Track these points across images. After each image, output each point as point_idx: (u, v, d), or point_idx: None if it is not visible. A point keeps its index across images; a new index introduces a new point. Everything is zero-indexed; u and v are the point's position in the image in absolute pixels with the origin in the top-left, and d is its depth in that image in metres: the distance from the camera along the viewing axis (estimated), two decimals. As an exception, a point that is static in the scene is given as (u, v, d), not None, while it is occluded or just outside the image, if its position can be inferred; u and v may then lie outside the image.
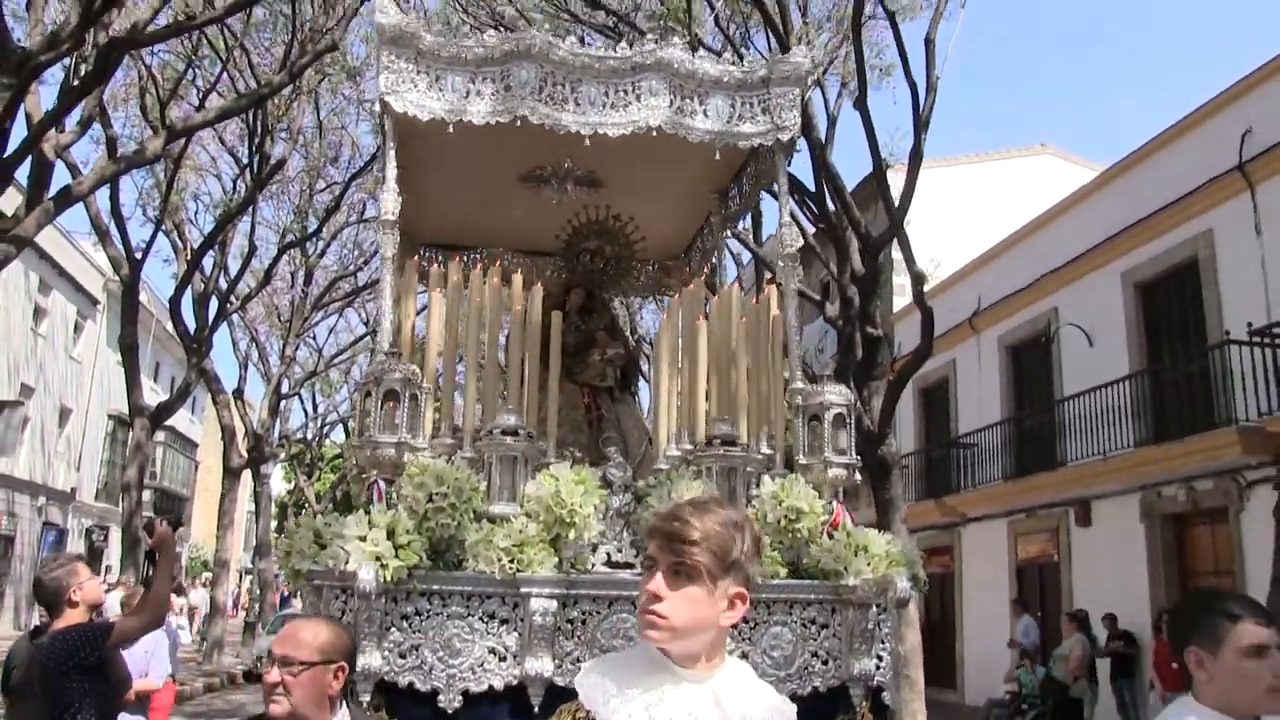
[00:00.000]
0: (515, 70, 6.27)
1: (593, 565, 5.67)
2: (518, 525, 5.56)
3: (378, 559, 5.23)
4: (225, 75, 20.16)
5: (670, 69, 6.43)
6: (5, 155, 11.82)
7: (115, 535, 34.88)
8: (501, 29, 16.26)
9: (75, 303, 30.37)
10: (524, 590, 5.43)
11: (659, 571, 2.39)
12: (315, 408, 39.71)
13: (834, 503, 6.05)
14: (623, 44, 6.71)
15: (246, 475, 29.08)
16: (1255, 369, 15.11)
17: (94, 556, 33.38)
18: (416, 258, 7.26)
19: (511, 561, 5.44)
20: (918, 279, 15.19)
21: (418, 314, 8.09)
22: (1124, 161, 19.66)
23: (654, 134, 6.35)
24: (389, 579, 5.22)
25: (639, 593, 2.44)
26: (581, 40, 15.54)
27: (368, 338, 31.24)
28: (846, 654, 5.75)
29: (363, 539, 5.29)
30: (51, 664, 5.50)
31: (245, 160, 21.80)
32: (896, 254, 15.78)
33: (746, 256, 22.20)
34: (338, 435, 41.03)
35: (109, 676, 5.81)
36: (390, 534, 5.35)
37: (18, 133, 12.22)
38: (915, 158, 15.04)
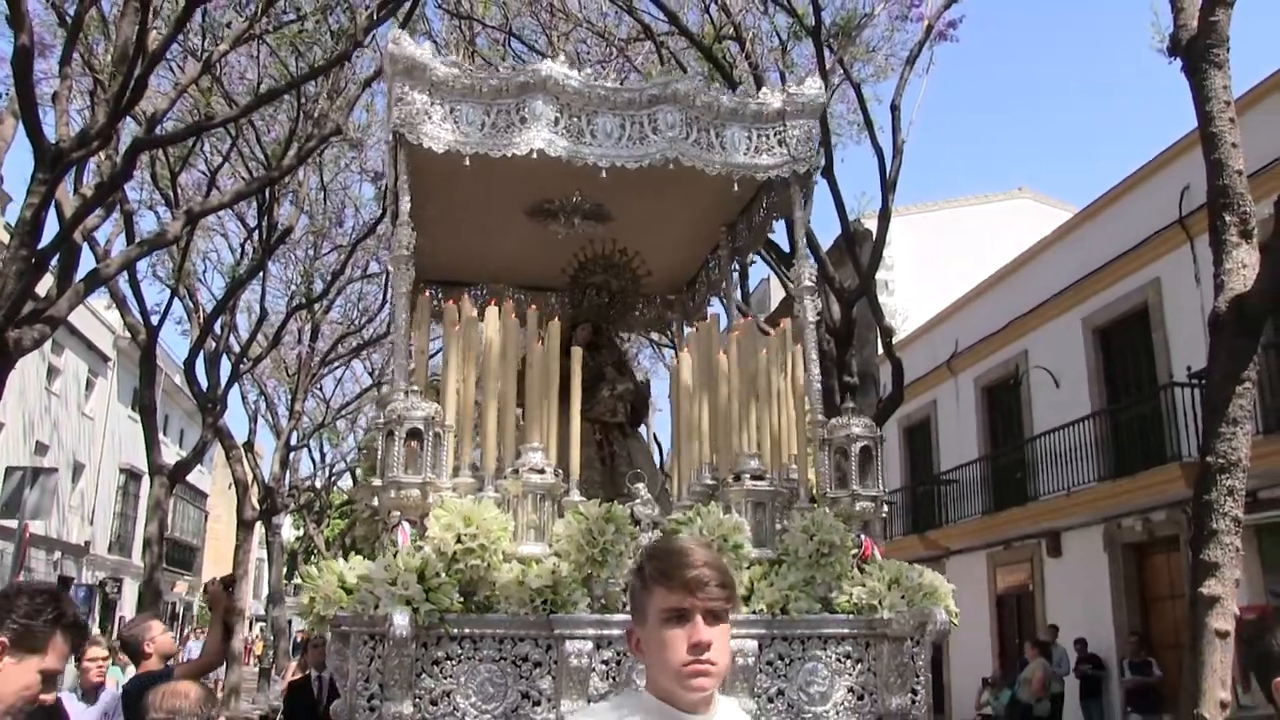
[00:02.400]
0: (530, 102, 5.80)
1: (624, 605, 5.15)
2: (549, 565, 5.04)
3: (408, 603, 4.70)
4: (230, 142, 19.67)
5: (687, 100, 5.97)
6: (40, 245, 11.64)
7: (129, 587, 34.04)
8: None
9: (87, 360, 29.67)
10: (558, 632, 4.92)
11: (698, 618, 2.18)
12: (323, 457, 39.13)
13: (862, 535, 5.56)
14: (633, 75, 6.20)
15: (258, 525, 28.33)
16: (1197, 409, 14.66)
17: (107, 608, 32.52)
18: (427, 293, 6.74)
19: (545, 603, 4.92)
20: (886, 333, 15.13)
21: (431, 356, 7.56)
22: (1083, 212, 19.84)
23: (670, 166, 5.89)
24: (421, 623, 4.69)
25: (665, 644, 2.18)
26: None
27: (374, 389, 30.76)
28: (882, 689, 5.25)
29: (392, 582, 4.75)
30: (128, 706, 5.91)
31: (253, 224, 21.30)
32: (883, 297, 15.53)
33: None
34: (345, 482, 40.14)
35: None
36: (420, 577, 4.82)
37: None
38: (883, 218, 14.91)
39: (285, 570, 35.22)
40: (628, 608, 5.21)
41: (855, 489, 5.53)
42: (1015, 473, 20.33)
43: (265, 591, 38.98)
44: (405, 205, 5.84)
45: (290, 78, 16.36)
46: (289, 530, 42.70)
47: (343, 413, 34.18)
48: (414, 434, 5.22)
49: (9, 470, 17.20)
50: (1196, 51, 7.46)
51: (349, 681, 4.82)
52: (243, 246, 22.67)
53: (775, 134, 6.11)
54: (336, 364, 30.12)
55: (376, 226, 21.81)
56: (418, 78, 5.75)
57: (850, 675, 5.24)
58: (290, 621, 28.48)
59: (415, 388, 5.51)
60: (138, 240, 17.15)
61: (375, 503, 5.61)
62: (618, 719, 2.27)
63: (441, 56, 6.04)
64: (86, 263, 15.43)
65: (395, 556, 4.93)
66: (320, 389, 32.42)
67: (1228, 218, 7.29)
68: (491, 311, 5.99)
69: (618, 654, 5.02)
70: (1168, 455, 15.77)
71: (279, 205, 20.52)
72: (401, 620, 4.57)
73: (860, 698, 5.22)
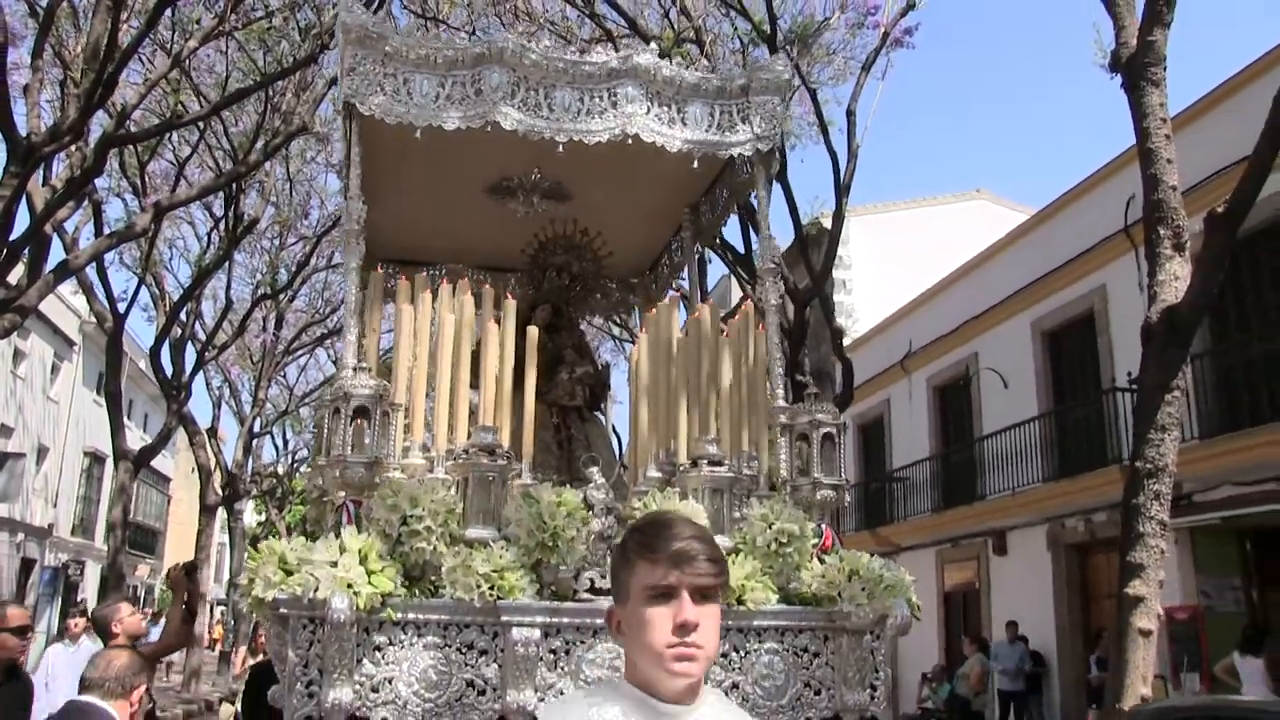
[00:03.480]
0: (487, 74, 5.38)
1: (575, 592, 4.80)
2: (497, 550, 4.67)
3: (349, 586, 4.32)
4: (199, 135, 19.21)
5: (648, 75, 5.58)
6: (12, 237, 11.71)
7: (91, 569, 33.38)
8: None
9: (52, 345, 28.96)
10: (505, 619, 4.54)
11: (684, 596, 1.95)
12: (286, 443, 38.48)
13: (823, 525, 5.23)
14: (598, 49, 5.83)
15: (221, 510, 27.79)
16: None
17: (70, 590, 31.86)
18: (380, 269, 6.34)
19: (491, 588, 4.53)
20: (836, 334, 14.95)
21: (383, 332, 7.16)
22: (1034, 218, 19.75)
23: (630, 142, 5.50)
24: (362, 607, 4.31)
25: (647, 624, 1.96)
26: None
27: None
28: (839, 683, 4.90)
29: (334, 565, 4.36)
30: None
31: (219, 213, 20.81)
32: (841, 296, 15.32)
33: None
34: (307, 468, 39.26)
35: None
36: (363, 559, 4.44)
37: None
38: (837, 220, 14.78)
39: (246, 555, 34.49)
40: (580, 595, 4.92)
41: (817, 477, 5.18)
42: (964, 472, 20.22)
43: (226, 576, 38.38)
44: (356, 179, 5.46)
45: (258, 72, 16.21)
46: (251, 515, 42.02)
47: (306, 400, 33.53)
48: (361, 412, 4.84)
49: None
50: (1135, 69, 7.43)
51: (287, 666, 4.45)
52: (209, 235, 22.14)
53: (739, 110, 5.73)
54: (300, 352, 29.59)
55: (342, 219, 21.36)
56: (370, 47, 5.35)
57: (807, 669, 4.89)
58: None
59: (364, 365, 5.14)
60: (107, 232, 17.02)
61: (321, 483, 5.26)
62: (590, 710, 2.01)
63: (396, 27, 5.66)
64: (55, 252, 15.61)
65: (338, 538, 4.56)
66: (284, 376, 31.83)
67: (1162, 231, 7.25)
68: (445, 289, 5.61)
69: (566, 643, 4.66)
70: (1109, 458, 15.62)
71: (245, 196, 20.09)
72: (341, 604, 4.19)
73: (817, 692, 4.87)
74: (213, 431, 28.33)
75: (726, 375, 5.60)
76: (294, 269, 23.98)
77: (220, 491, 27.25)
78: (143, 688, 4.21)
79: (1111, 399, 15.82)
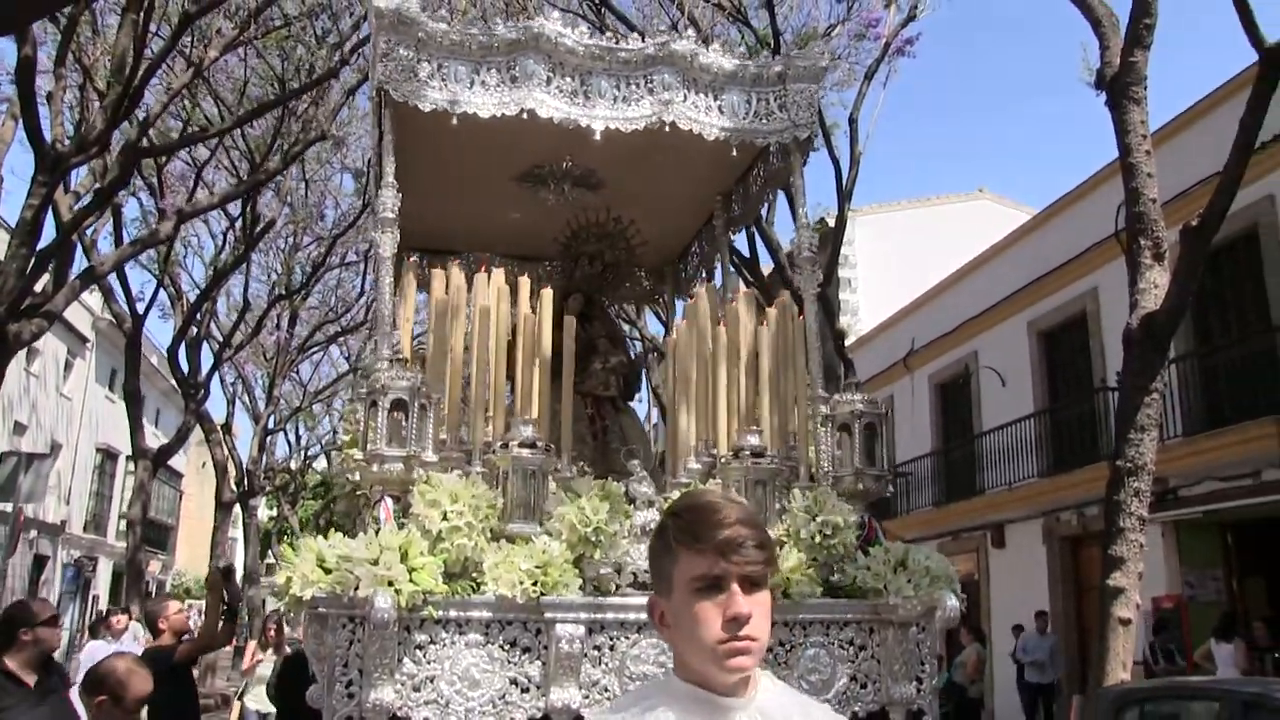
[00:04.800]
0: (522, 61, 5.12)
1: (617, 587, 4.52)
2: (539, 545, 4.39)
3: (390, 584, 4.04)
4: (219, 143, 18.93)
5: (684, 62, 5.32)
6: (41, 245, 11.77)
7: (103, 565, 32.94)
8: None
9: (66, 342, 28.38)
10: (548, 615, 4.26)
11: (734, 586, 1.75)
12: (299, 439, 37.93)
13: (866, 516, 4.96)
14: (634, 36, 5.54)
15: (235, 506, 27.45)
16: (1124, 411, 14.69)
17: (84, 587, 31.41)
18: (412, 259, 6.04)
19: (535, 584, 4.26)
20: (838, 335, 14.65)
21: (416, 330, 6.87)
22: (1031, 221, 19.70)
23: (667, 129, 5.24)
24: (403, 605, 4.03)
25: (696, 619, 1.75)
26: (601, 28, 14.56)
27: (350, 374, 29.94)
28: (886, 677, 4.64)
29: (374, 562, 4.08)
30: None
31: (235, 213, 20.54)
32: (845, 294, 15.11)
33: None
34: (320, 464, 38.85)
35: (184, 688, 6.57)
36: (403, 556, 4.15)
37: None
38: (839, 225, 14.75)
39: (261, 551, 34.19)
40: (621, 590, 4.65)
41: (859, 467, 4.91)
42: (964, 467, 20.12)
43: (240, 572, 38.03)
44: (390, 167, 5.18)
45: (276, 79, 16.14)
46: (264, 511, 41.66)
47: (320, 396, 33.18)
48: (398, 405, 4.56)
49: (4, 455, 16.77)
50: (1118, 88, 7.50)
51: (326, 666, 4.17)
52: (225, 235, 21.86)
53: (775, 98, 5.47)
54: (314, 350, 29.23)
55: (357, 220, 21.14)
56: (404, 32, 5.07)
57: (853, 662, 4.63)
58: (264, 601, 27.56)
59: (401, 356, 4.86)
60: (129, 239, 17.00)
61: (356, 477, 4.96)
62: (642, 713, 1.81)
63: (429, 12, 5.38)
64: (76, 253, 15.43)
65: (377, 535, 4.28)
66: (297, 373, 31.39)
67: (1143, 241, 7.38)
68: (480, 278, 5.32)
69: (610, 639, 4.39)
70: (1100, 454, 15.26)
71: (260, 197, 19.77)
72: (383, 602, 3.92)
73: (863, 686, 4.61)
74: (227, 428, 27.97)
75: (765, 365, 5.32)
76: (309, 269, 23.70)
77: (235, 488, 26.89)
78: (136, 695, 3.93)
79: (1103, 397, 15.76)
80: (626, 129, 5.20)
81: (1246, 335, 13.94)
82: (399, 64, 5.05)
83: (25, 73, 10.53)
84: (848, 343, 22.01)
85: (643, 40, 5.38)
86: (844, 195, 14.75)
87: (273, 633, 10.22)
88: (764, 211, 13.57)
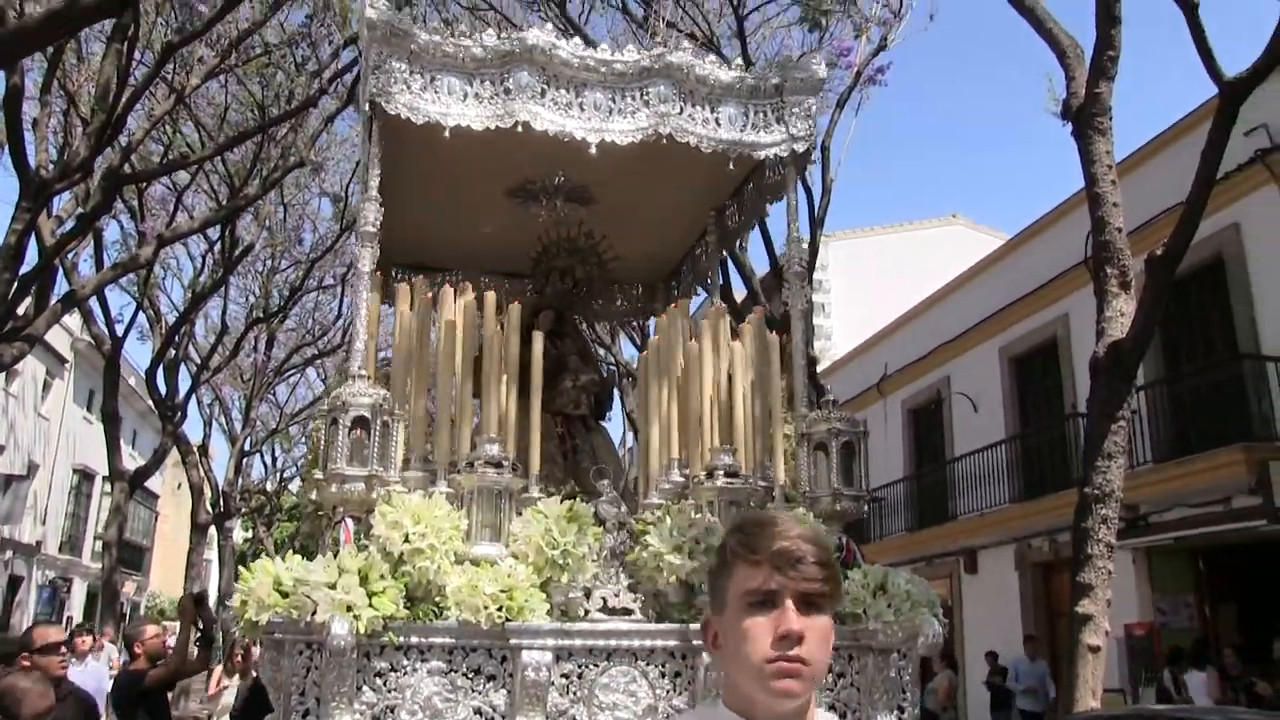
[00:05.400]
0: (515, 73, 4.93)
1: (586, 612, 4.28)
2: (505, 568, 4.15)
3: (349, 609, 3.79)
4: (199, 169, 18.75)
5: (681, 74, 5.13)
6: (24, 269, 11.80)
7: (78, 586, 32.34)
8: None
9: (44, 362, 27.89)
10: (514, 642, 4.02)
11: (788, 603, 1.61)
12: (275, 461, 37.50)
13: (844, 538, 4.74)
14: (629, 47, 5.35)
15: (211, 528, 26.91)
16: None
17: (59, 608, 30.69)
18: (380, 273, 5.80)
19: (499, 609, 4.02)
20: (811, 362, 14.47)
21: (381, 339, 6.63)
22: (1003, 247, 19.63)
23: (664, 142, 5.04)
24: (362, 631, 3.79)
25: (745, 635, 1.61)
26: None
27: (327, 397, 29.59)
28: (866, 705, 4.41)
29: (332, 586, 3.83)
30: (113, 696, 6.62)
31: (214, 236, 20.21)
32: (819, 319, 14.95)
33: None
34: (295, 485, 38.56)
35: (157, 712, 6.54)
36: (363, 580, 3.91)
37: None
38: (811, 252, 14.41)
39: (235, 573, 33.62)
40: (590, 615, 4.41)
41: (837, 487, 4.70)
42: (937, 493, 19.92)
43: (215, 595, 37.47)
44: (375, 180, 4.95)
45: (255, 103, 15.96)
46: (239, 533, 41.08)
47: (296, 419, 32.77)
48: (360, 422, 4.33)
49: None
50: (1083, 118, 7.49)
51: (283, 694, 3.91)
52: (204, 257, 21.55)
53: (773, 111, 5.29)
54: (291, 372, 28.84)
55: (335, 244, 20.95)
56: (397, 45, 4.88)
57: (831, 690, 4.40)
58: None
59: (363, 372, 4.62)
60: (110, 264, 16.89)
61: (316, 497, 4.72)
62: None
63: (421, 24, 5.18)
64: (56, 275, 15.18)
65: (336, 557, 4.03)
66: (274, 395, 31.00)
67: (1109, 270, 7.36)
68: (447, 293, 5.11)
69: (579, 666, 4.15)
70: (1071, 481, 15.26)
71: (239, 220, 19.50)
72: (340, 629, 3.68)
73: (843, 715, 4.37)
74: (204, 450, 27.58)
75: (739, 383, 5.11)
76: (287, 293, 23.36)
77: (211, 510, 26.44)
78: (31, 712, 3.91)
79: (1073, 424, 15.54)
80: (621, 141, 5.01)
81: (1214, 362, 13.87)
82: (390, 76, 4.85)
83: (13, 101, 10.56)
84: (821, 367, 21.90)
85: (638, 52, 5.18)
86: (816, 222, 14.62)
87: (239, 658, 9.90)
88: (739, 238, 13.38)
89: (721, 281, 15.25)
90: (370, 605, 3.86)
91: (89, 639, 12.21)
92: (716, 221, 6.51)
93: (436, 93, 4.91)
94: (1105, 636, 6.93)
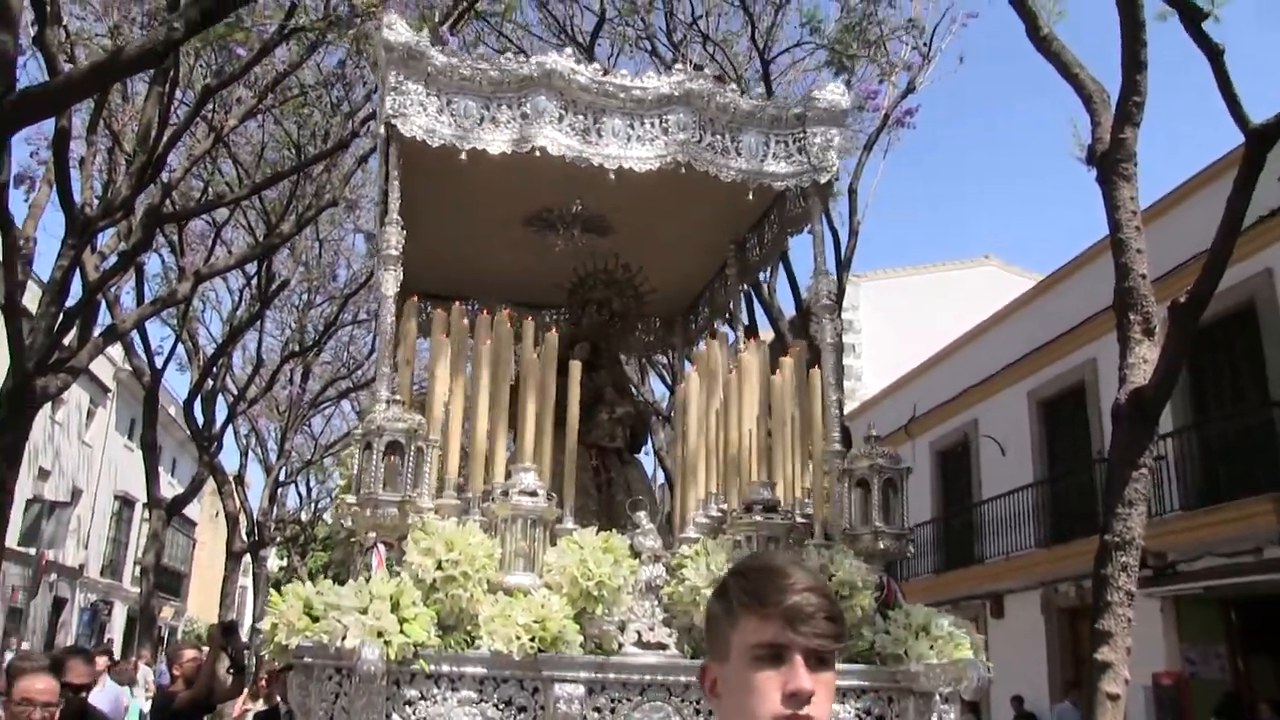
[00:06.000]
0: (534, 97, 4.81)
1: (620, 646, 4.11)
2: (539, 599, 3.99)
3: (380, 634, 3.64)
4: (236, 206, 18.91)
5: (701, 102, 5.00)
6: (68, 303, 11.99)
7: (118, 610, 32.45)
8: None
9: (88, 391, 28.15)
10: (546, 674, 3.85)
11: (797, 659, 1.51)
12: (310, 491, 37.35)
13: (884, 577, 4.55)
14: (648, 73, 5.23)
15: (245, 557, 26.94)
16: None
17: (99, 631, 30.76)
18: (416, 297, 5.69)
19: (532, 640, 3.86)
20: (838, 403, 14.24)
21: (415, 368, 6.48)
22: (1030, 291, 19.36)
23: (683, 170, 4.90)
24: (393, 658, 3.63)
25: (753, 690, 1.51)
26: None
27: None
28: (907, 751, 4.19)
29: (363, 611, 3.69)
30: (151, 716, 7.22)
31: (251, 271, 20.28)
32: (849, 360, 14.76)
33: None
34: (330, 515, 38.43)
35: None
36: (394, 606, 3.76)
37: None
38: (838, 293, 14.14)
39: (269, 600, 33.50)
40: (624, 649, 4.24)
41: (878, 525, 4.51)
42: (964, 536, 19.64)
43: (249, 621, 37.41)
44: (395, 203, 4.84)
45: (291, 142, 16.13)
46: (274, 561, 41.03)
47: (331, 450, 32.76)
48: (394, 448, 4.19)
49: (29, 502, 16.73)
50: (1108, 164, 7.39)
51: None
52: (241, 292, 21.71)
53: (794, 140, 5.14)
54: (326, 404, 28.83)
55: (369, 280, 21.01)
56: (413, 67, 4.78)
57: (870, 734, 4.20)
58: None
59: (397, 398, 4.50)
60: (150, 299, 17.22)
61: (349, 523, 4.58)
62: None
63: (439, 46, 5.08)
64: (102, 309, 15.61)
65: (368, 583, 3.89)
66: (309, 426, 30.96)
67: (1132, 316, 7.21)
68: (484, 320, 4.98)
69: (612, 701, 3.97)
70: (1098, 526, 15.02)
71: (275, 256, 19.64)
72: (371, 654, 3.52)
73: (881, 760, 4.18)
74: (240, 480, 27.63)
75: (778, 417, 4.94)
76: (322, 327, 23.42)
77: (246, 538, 26.46)
78: None
79: (1101, 469, 15.06)
80: (640, 169, 4.87)
81: (1245, 410, 13.58)
82: (407, 98, 4.75)
83: (61, 142, 10.80)
84: (851, 407, 21.63)
85: (657, 78, 5.07)
86: (842, 264, 14.46)
87: (264, 682, 9.76)
88: (764, 275, 13.25)
89: (746, 319, 15.18)
90: (401, 632, 3.71)
91: (103, 661, 12.15)
92: (736, 254, 6.36)
93: (453, 116, 4.79)
94: (1125, 685, 6.79)
